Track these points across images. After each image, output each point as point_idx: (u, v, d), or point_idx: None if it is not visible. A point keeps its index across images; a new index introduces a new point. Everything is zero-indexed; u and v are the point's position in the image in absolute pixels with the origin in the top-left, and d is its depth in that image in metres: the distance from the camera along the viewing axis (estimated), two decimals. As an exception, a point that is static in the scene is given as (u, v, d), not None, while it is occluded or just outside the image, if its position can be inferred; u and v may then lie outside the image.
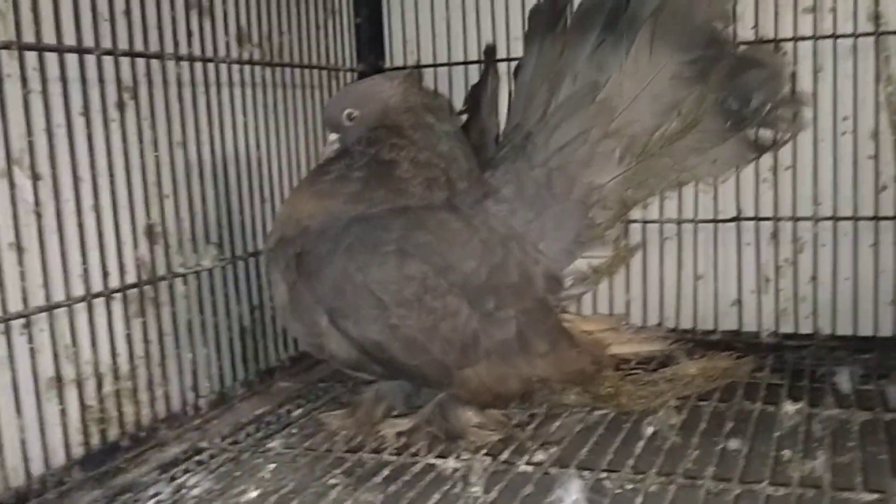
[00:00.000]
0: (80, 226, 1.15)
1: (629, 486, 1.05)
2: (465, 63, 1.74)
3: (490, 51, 1.60)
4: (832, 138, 1.52)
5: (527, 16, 1.38)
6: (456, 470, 1.12)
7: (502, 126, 1.45)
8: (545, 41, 1.32)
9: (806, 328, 1.59)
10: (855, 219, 1.53)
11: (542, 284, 1.24)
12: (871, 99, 1.51)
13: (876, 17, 1.51)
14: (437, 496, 1.04)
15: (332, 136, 1.26)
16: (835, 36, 1.51)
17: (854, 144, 1.53)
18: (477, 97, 1.49)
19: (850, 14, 1.51)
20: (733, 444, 1.17)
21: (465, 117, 1.51)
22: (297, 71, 1.62)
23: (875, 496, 0.99)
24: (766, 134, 1.34)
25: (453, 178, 1.24)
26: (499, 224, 1.25)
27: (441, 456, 1.17)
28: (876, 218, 1.53)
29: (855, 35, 1.50)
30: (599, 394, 1.29)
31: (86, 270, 1.15)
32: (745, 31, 1.56)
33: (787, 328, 1.61)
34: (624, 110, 1.26)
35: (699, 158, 1.29)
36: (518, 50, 1.68)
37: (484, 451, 1.17)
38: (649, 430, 1.21)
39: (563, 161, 1.28)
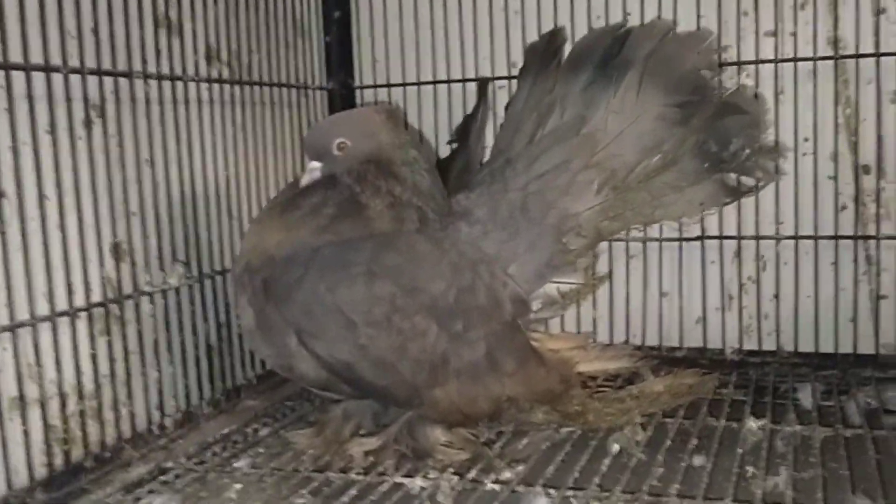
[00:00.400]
0: (45, 244, 1.14)
1: (595, 504, 1.06)
2: (435, 83, 1.76)
3: (484, 83, 1.62)
4: (793, 159, 1.55)
5: (523, 52, 1.44)
6: (423, 489, 1.12)
7: (488, 154, 1.47)
8: (538, 76, 1.36)
9: (769, 345, 1.62)
10: (816, 238, 1.56)
11: (509, 308, 1.25)
12: (831, 121, 1.55)
13: (835, 42, 1.54)
14: (404, 515, 1.05)
15: (315, 164, 1.24)
16: (795, 59, 1.54)
17: (815, 165, 1.56)
18: (467, 127, 1.52)
19: (811, 38, 1.54)
20: (698, 460, 1.18)
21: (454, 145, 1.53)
22: (266, 89, 1.62)
23: (835, 512, 1.01)
24: (741, 179, 1.39)
25: (426, 214, 1.25)
26: (469, 247, 1.26)
27: (408, 475, 1.17)
28: (836, 237, 1.56)
29: (815, 59, 1.54)
30: (567, 412, 1.30)
31: (50, 289, 1.14)
32: (709, 54, 1.59)
33: (750, 345, 1.63)
34: (607, 145, 1.31)
35: (675, 196, 1.34)
36: (486, 69, 1.71)
37: (451, 469, 1.18)
38: (615, 448, 1.22)
39: (541, 186, 1.31)
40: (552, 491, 1.09)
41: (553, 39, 1.38)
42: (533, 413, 1.30)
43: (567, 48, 1.42)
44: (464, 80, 1.74)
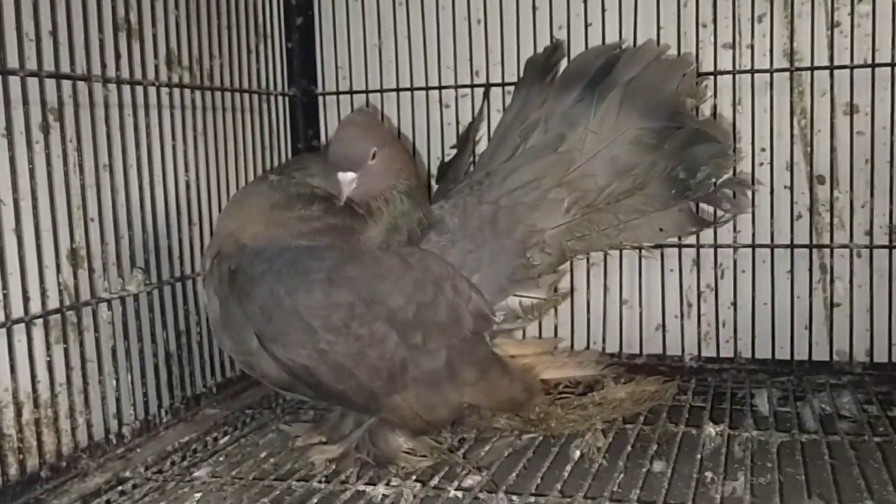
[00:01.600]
0: (1, 249, 1.12)
1: (557, 510, 1.07)
2: (398, 90, 1.76)
3: (487, 90, 1.64)
4: (750, 169, 1.58)
5: (524, 64, 1.44)
6: (386, 496, 1.12)
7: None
8: (531, 90, 1.37)
9: (727, 352, 1.64)
10: (772, 246, 1.59)
11: (470, 324, 1.25)
12: (787, 131, 1.58)
13: (791, 54, 1.58)
14: (366, 523, 1.04)
15: (351, 175, 1.17)
16: (752, 71, 1.57)
17: (771, 175, 1.59)
18: (468, 134, 1.53)
19: (767, 50, 1.57)
20: (658, 466, 1.20)
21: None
22: (228, 94, 1.61)
23: (792, 516, 1.03)
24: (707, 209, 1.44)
25: (414, 233, 1.25)
26: (434, 262, 1.25)
27: (371, 483, 1.17)
28: (792, 245, 1.59)
29: (771, 70, 1.57)
30: (530, 418, 1.30)
31: (5, 295, 1.12)
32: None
33: (709, 352, 1.65)
34: (581, 165, 1.33)
35: (641, 220, 1.35)
36: (450, 78, 1.72)
37: (414, 477, 1.18)
38: (577, 454, 1.23)
39: (512, 201, 1.32)
40: (515, 497, 1.09)
41: (553, 54, 1.39)
42: (495, 419, 1.31)
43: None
44: (426, 88, 1.74)
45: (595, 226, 1.35)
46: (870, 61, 1.52)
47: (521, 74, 1.42)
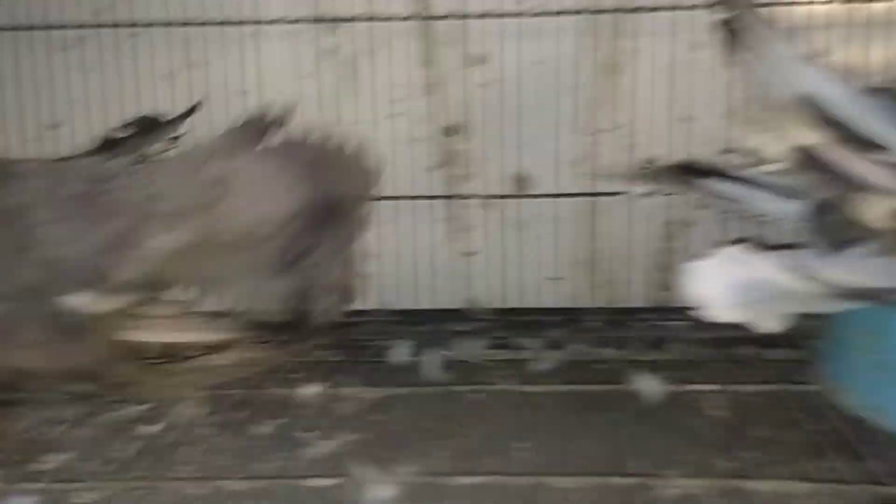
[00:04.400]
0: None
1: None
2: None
3: None
4: (374, 121, 1.56)
5: None
6: None
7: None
8: None
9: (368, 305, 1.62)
10: (414, 198, 1.59)
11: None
12: (419, 82, 1.57)
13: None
14: None
15: None
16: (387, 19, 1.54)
17: (405, 126, 1.57)
18: None
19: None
20: (259, 430, 1.19)
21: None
22: None
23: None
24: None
25: None
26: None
27: None
28: (430, 198, 1.60)
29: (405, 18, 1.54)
30: (112, 385, 1.22)
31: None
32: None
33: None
34: None
35: None
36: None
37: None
38: (161, 426, 1.19)
39: None
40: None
41: None
42: (64, 386, 1.22)
43: None
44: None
45: None
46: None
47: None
